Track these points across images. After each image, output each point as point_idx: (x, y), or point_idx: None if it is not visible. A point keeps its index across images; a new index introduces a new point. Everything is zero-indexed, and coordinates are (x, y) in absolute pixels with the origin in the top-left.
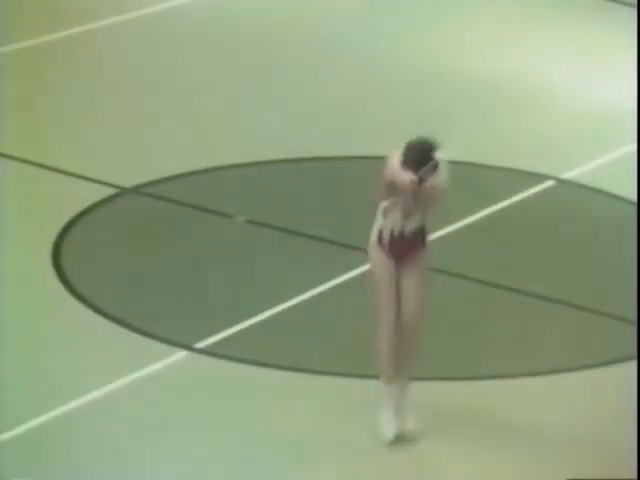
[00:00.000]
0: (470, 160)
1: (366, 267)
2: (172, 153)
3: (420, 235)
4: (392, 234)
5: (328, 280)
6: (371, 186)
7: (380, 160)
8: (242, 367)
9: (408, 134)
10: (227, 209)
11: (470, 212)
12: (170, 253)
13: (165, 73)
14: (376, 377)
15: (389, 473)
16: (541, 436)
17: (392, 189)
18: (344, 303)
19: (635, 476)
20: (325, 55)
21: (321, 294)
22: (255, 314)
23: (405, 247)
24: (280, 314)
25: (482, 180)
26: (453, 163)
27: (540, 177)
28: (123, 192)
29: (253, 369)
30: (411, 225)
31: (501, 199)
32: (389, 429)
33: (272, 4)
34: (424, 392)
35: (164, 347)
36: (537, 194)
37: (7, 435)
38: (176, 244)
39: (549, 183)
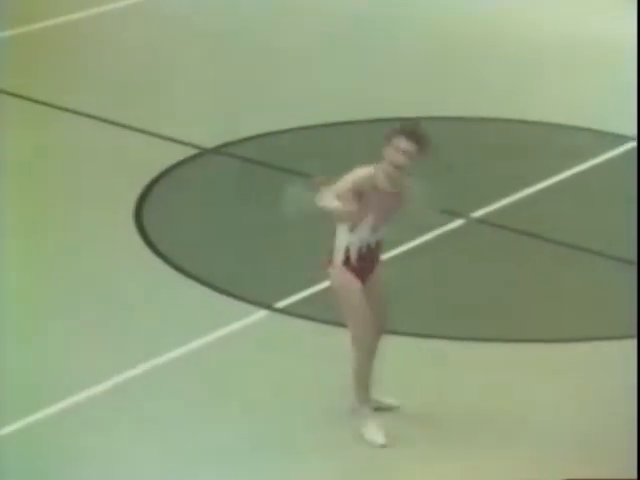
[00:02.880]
0: (554, 121)
1: (443, 230)
2: (253, 113)
3: (380, 245)
4: (360, 251)
5: (410, 240)
6: (450, 146)
7: (467, 121)
8: (321, 327)
9: (476, 97)
10: (306, 169)
11: (553, 173)
12: (250, 213)
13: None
14: (436, 337)
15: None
16: None
17: (360, 203)
18: (429, 262)
19: (635, 476)
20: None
21: (404, 253)
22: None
23: (372, 261)
24: None
25: (565, 141)
26: (538, 124)
27: (623, 138)
28: (204, 152)
29: (332, 329)
30: (377, 236)
31: (583, 160)
32: (378, 437)
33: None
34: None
35: (244, 306)
36: (619, 155)
37: (97, 388)
38: (256, 204)
39: (632, 144)
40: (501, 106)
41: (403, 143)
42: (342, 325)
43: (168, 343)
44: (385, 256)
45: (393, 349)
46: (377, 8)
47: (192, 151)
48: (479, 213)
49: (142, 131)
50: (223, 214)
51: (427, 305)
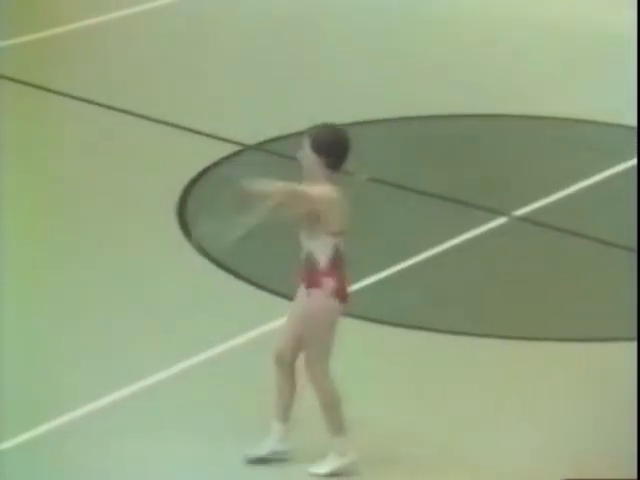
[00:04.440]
0: (597, 119)
1: (485, 228)
2: (293, 110)
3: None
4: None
5: (449, 238)
6: (493, 143)
7: (507, 118)
8: (362, 324)
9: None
10: (348, 166)
11: (595, 171)
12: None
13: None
14: (487, 336)
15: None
16: None
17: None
18: (464, 262)
19: (635, 476)
20: None
21: (443, 253)
22: (376, 272)
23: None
24: (401, 273)
25: (607, 139)
26: (579, 121)
27: None
28: (246, 149)
29: (372, 326)
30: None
31: (625, 158)
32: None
33: None
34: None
35: (286, 303)
36: None
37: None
38: None
39: None
40: (543, 103)
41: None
42: (385, 322)
43: (210, 340)
44: (426, 254)
45: (430, 346)
46: (406, 5)
47: (234, 148)
48: (521, 211)
49: (184, 128)
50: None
51: (466, 303)
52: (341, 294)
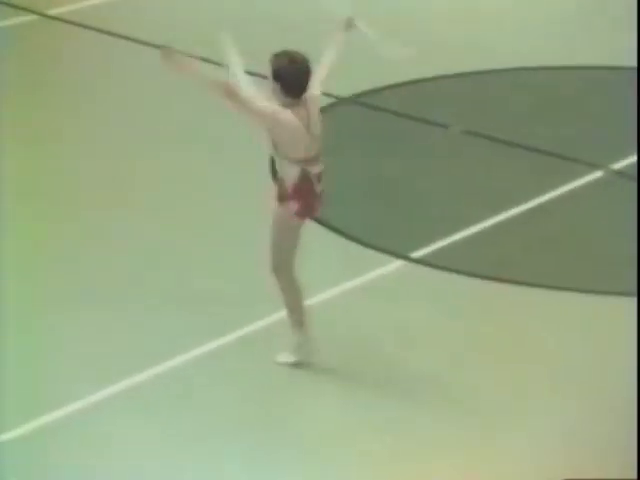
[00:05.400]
0: None
1: (582, 182)
2: (387, 63)
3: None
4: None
5: (545, 192)
6: (589, 96)
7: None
8: (458, 278)
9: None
10: (443, 119)
11: None
12: (386, 163)
13: None
14: (589, 291)
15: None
16: None
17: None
18: (561, 216)
19: (635, 476)
20: None
21: (539, 206)
22: (471, 225)
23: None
24: (496, 226)
25: None
26: None
27: None
28: (340, 101)
29: (468, 280)
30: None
31: None
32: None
33: None
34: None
35: (380, 256)
36: None
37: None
38: (392, 154)
39: None
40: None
41: None
42: (477, 276)
43: (307, 292)
44: (522, 208)
45: (525, 300)
46: None
47: (327, 100)
48: (619, 165)
49: None
50: (358, 164)
51: (562, 257)
52: (303, 215)
